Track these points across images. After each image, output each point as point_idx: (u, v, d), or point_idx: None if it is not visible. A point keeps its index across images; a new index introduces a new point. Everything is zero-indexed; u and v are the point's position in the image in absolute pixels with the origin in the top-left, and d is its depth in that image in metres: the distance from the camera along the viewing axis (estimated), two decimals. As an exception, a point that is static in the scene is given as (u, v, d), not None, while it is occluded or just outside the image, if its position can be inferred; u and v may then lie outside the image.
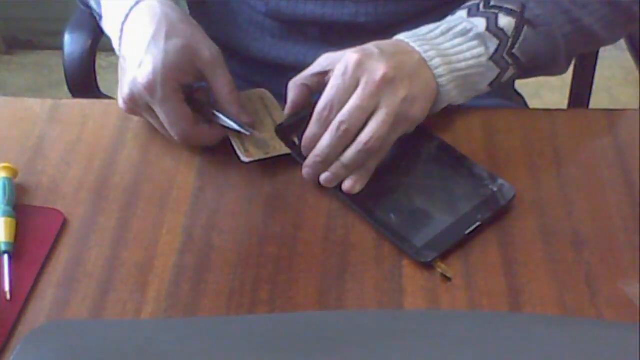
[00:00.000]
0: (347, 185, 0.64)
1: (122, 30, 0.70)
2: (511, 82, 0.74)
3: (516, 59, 0.68)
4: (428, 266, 0.60)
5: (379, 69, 0.62)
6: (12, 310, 0.58)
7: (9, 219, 0.63)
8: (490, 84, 0.69)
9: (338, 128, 0.62)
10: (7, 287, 0.60)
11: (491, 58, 0.67)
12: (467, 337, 0.55)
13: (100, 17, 0.76)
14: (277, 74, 0.87)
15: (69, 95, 0.97)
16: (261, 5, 0.81)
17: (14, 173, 0.67)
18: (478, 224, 0.62)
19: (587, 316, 0.57)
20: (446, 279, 0.60)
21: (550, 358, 0.53)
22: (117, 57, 0.70)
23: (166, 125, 0.67)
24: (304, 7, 0.79)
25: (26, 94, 1.96)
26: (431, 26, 0.68)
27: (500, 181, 0.65)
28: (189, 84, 0.68)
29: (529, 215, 0.64)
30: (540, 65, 0.71)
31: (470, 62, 0.66)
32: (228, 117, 0.68)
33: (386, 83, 0.62)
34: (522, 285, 0.59)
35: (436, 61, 0.65)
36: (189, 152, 0.70)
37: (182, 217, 0.65)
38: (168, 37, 0.66)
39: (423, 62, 0.65)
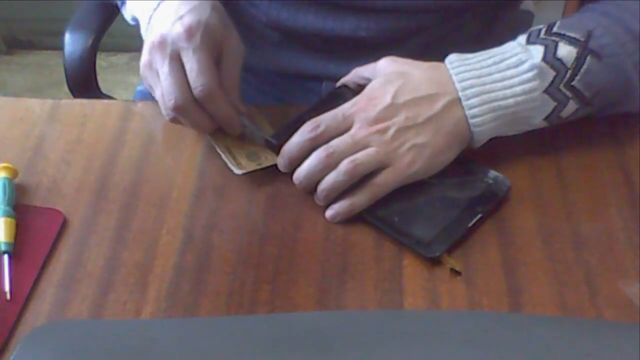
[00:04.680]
0: (327, 213, 0.64)
1: (157, 7, 0.68)
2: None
3: (577, 91, 0.64)
4: (436, 261, 0.60)
5: (374, 118, 0.63)
6: (12, 310, 0.58)
7: (9, 219, 0.63)
8: (547, 118, 0.65)
9: (323, 150, 0.63)
10: (7, 287, 0.60)
11: (545, 91, 0.63)
12: (467, 337, 0.55)
13: (123, 1, 0.75)
14: (279, 82, 0.87)
15: (69, 95, 0.97)
16: (261, 15, 0.81)
17: (14, 173, 0.67)
18: (479, 216, 0.62)
19: (587, 316, 0.57)
20: (456, 273, 0.60)
21: (550, 358, 0.53)
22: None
23: (192, 74, 0.63)
24: (304, 19, 0.78)
25: (26, 94, 1.96)
26: (485, 54, 0.65)
27: (494, 173, 0.65)
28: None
29: (529, 215, 0.64)
30: (612, 99, 0.66)
31: (520, 98, 0.63)
32: (249, 121, 0.68)
33: (379, 131, 0.62)
34: (522, 285, 0.59)
35: (474, 100, 0.63)
36: (189, 152, 0.70)
37: (182, 217, 0.65)
38: (212, 9, 0.65)
39: (450, 105, 0.63)
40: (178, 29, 0.63)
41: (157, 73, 0.65)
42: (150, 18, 0.68)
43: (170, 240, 0.63)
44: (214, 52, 0.65)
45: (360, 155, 0.62)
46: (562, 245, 0.62)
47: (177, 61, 0.64)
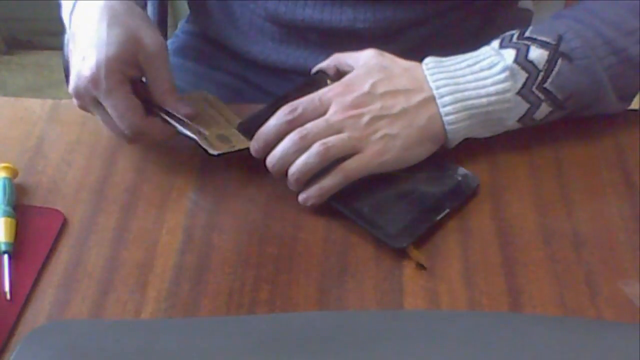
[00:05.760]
0: (299, 197, 0.65)
1: (70, 20, 0.68)
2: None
3: (549, 93, 0.65)
4: (402, 252, 0.61)
5: (350, 103, 0.63)
6: (12, 310, 0.58)
7: (9, 219, 0.63)
8: (521, 120, 0.66)
9: (297, 133, 0.63)
10: (7, 287, 0.60)
11: (519, 92, 0.64)
12: (467, 337, 0.55)
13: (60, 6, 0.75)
14: (277, 77, 0.87)
15: (69, 95, 0.96)
16: (260, 9, 0.81)
17: (14, 173, 0.67)
18: (447, 211, 0.63)
19: (587, 316, 0.57)
20: (421, 267, 0.60)
21: (550, 358, 0.53)
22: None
23: (115, 118, 0.64)
24: (302, 12, 0.79)
25: (26, 94, 1.96)
26: (459, 57, 0.66)
27: (463, 171, 0.66)
28: (136, 77, 0.66)
29: (529, 215, 0.64)
30: (584, 102, 0.67)
31: (493, 98, 0.64)
32: (176, 119, 0.66)
33: (353, 117, 0.63)
34: (522, 285, 0.59)
35: (447, 99, 0.64)
36: (189, 152, 0.70)
37: (182, 217, 0.65)
38: (110, 27, 0.64)
39: (425, 101, 0.64)
40: (83, 76, 0.63)
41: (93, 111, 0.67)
42: (66, 39, 0.70)
43: (170, 240, 0.63)
44: (127, 85, 0.64)
45: (332, 139, 0.62)
46: (562, 245, 0.62)
47: (100, 106, 0.65)
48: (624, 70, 0.66)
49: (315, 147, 0.62)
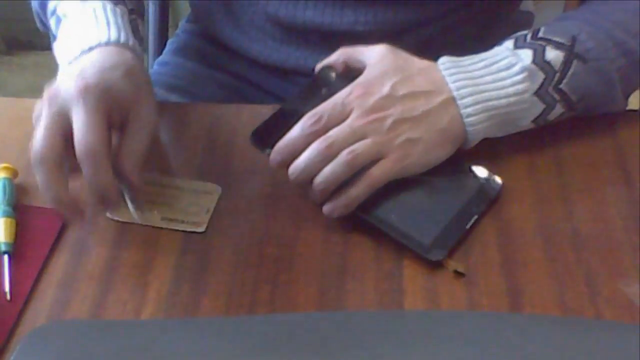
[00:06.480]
0: (325, 208, 0.63)
1: (77, 58, 0.64)
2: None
3: (564, 94, 0.65)
4: (438, 264, 0.60)
5: (371, 107, 0.62)
6: (12, 310, 0.58)
7: (9, 219, 0.63)
8: (535, 121, 0.66)
9: (322, 142, 0.61)
10: (7, 287, 0.60)
11: (536, 93, 0.64)
12: (467, 337, 0.55)
13: (55, 37, 0.71)
14: (278, 77, 0.87)
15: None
16: (260, 12, 0.81)
17: (14, 173, 0.67)
18: (476, 217, 0.63)
19: (587, 316, 0.57)
20: (460, 275, 0.60)
21: (550, 358, 0.53)
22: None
23: (78, 133, 0.57)
24: (302, 14, 0.78)
25: (26, 94, 1.96)
26: (475, 57, 0.66)
27: (485, 173, 0.66)
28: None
29: (529, 215, 0.64)
30: (594, 103, 0.68)
31: (512, 99, 0.64)
32: (127, 194, 0.63)
33: (376, 121, 0.62)
34: (522, 285, 0.59)
35: (468, 100, 0.63)
36: (189, 152, 0.70)
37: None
38: (124, 74, 0.61)
39: (446, 103, 0.63)
40: (73, 85, 0.58)
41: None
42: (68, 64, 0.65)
43: (170, 240, 0.63)
44: (109, 118, 0.59)
45: (358, 146, 0.61)
46: (562, 245, 0.62)
47: (60, 117, 0.58)
48: (631, 72, 0.67)
49: (343, 157, 0.60)
